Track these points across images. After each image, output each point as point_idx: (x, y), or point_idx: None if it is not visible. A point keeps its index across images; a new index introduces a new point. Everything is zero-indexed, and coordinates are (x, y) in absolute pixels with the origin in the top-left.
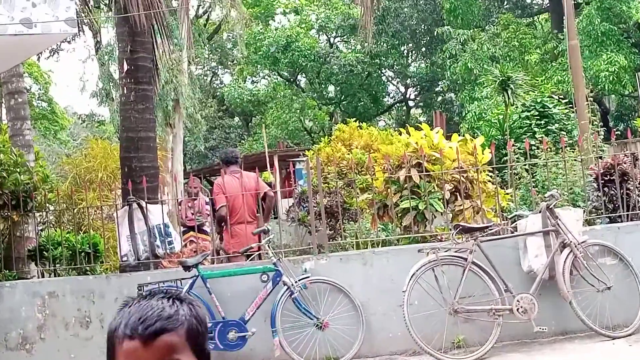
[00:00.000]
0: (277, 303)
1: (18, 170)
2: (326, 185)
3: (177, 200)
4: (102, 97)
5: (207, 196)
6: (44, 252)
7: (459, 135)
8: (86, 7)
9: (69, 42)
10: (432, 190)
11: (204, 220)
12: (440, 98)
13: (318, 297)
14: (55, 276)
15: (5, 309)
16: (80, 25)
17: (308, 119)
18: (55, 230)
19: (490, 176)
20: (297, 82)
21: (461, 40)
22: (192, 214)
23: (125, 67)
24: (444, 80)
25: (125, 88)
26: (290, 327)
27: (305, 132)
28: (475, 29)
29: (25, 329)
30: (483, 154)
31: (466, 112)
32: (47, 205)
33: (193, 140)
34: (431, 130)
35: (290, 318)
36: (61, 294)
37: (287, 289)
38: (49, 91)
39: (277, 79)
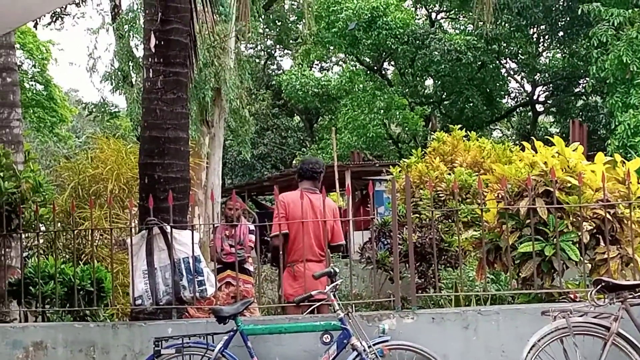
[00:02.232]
0: None
1: (1, 174)
2: (417, 215)
3: (213, 225)
4: (117, 81)
5: (253, 222)
6: (30, 288)
7: (606, 154)
8: None
9: (77, 4)
10: (565, 231)
11: (245, 256)
12: (580, 102)
13: None
14: (44, 321)
15: None
16: None
17: (395, 122)
18: (47, 259)
19: None
20: (383, 72)
21: (615, 24)
22: (231, 245)
23: (153, 41)
24: (587, 79)
25: (150, 70)
26: None
27: (390, 141)
28: (635, 9)
29: None
30: (639, 183)
31: (617, 123)
32: (38, 223)
33: (236, 145)
34: (566, 146)
35: None
36: (51, 345)
37: (356, 356)
38: (47, 70)
39: (355, 66)
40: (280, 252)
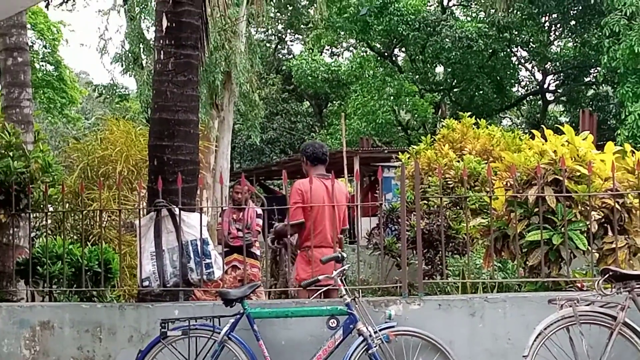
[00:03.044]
0: (349, 359)
1: (11, 154)
2: (425, 202)
3: (221, 208)
4: (128, 63)
5: (260, 205)
6: (38, 268)
7: (615, 144)
8: None
9: None
10: (573, 220)
11: (253, 240)
12: (591, 92)
13: (404, 355)
14: (51, 300)
15: None
16: None
17: (405, 109)
18: (55, 239)
19: None
20: (393, 59)
21: (627, 14)
22: (238, 229)
23: (165, 23)
24: (598, 68)
25: (162, 52)
26: None
27: (399, 128)
28: None
29: None
30: None
31: (627, 113)
32: (47, 204)
33: (246, 129)
34: (576, 135)
35: None
36: (58, 325)
37: (362, 341)
38: (58, 51)
39: (366, 52)
40: (288, 237)
